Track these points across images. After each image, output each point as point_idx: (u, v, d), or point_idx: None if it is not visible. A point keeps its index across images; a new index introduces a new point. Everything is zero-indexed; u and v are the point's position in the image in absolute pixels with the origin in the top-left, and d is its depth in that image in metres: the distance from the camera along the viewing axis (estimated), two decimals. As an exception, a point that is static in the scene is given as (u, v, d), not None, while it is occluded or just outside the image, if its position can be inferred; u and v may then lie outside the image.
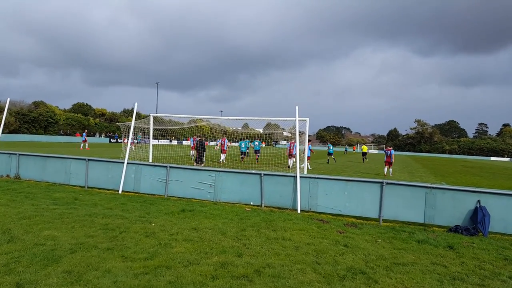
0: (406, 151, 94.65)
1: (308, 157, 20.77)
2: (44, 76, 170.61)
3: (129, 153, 10.29)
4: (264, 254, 4.98)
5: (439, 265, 5.04)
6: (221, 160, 21.76)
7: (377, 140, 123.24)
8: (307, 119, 12.15)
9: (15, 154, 11.17)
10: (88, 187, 10.05)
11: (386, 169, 19.55)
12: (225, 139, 23.01)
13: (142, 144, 30.47)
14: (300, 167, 8.92)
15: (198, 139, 15.62)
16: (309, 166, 20.84)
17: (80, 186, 10.16)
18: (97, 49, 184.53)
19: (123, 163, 9.85)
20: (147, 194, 9.51)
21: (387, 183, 7.71)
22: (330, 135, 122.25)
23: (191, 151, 25.13)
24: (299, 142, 9.91)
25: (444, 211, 7.39)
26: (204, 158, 15.24)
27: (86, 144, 33.34)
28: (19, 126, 56.56)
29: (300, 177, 8.40)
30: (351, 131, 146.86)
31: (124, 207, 7.65)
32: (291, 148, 19.45)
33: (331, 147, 30.17)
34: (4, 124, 13.64)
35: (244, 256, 4.87)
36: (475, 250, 5.87)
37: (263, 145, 25.78)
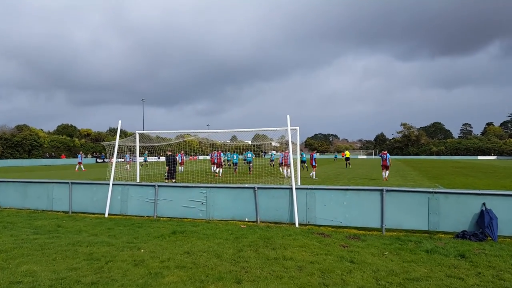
0: (395, 155, 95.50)
1: (313, 166, 20.63)
2: (27, 99, 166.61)
3: (115, 173, 9.76)
4: (265, 278, 4.53)
5: (455, 277, 4.67)
6: (220, 175, 21.33)
7: (365, 146, 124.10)
8: (297, 127, 11.84)
9: (-7, 181, 10.49)
10: (72, 212, 9.44)
11: (383, 173, 19.43)
12: (220, 153, 22.58)
13: (131, 162, 29.68)
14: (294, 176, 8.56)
15: (169, 153, 15.36)
16: (314, 176, 20.53)
17: (64, 212, 9.55)
18: (80, 70, 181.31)
19: (109, 184, 9.31)
20: (135, 216, 8.95)
21: (387, 190, 7.38)
22: (318, 143, 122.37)
23: (180, 167, 24.63)
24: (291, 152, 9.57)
25: (449, 217, 7.07)
26: (175, 173, 15.14)
27: (77, 167, 32.85)
28: (2, 151, 54.85)
29: (296, 188, 8.02)
30: (339, 138, 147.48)
31: (110, 232, 7.11)
32: (285, 158, 19.15)
33: (304, 155, 30.04)
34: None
35: (244, 282, 4.41)
36: (488, 257, 5.52)
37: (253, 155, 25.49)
